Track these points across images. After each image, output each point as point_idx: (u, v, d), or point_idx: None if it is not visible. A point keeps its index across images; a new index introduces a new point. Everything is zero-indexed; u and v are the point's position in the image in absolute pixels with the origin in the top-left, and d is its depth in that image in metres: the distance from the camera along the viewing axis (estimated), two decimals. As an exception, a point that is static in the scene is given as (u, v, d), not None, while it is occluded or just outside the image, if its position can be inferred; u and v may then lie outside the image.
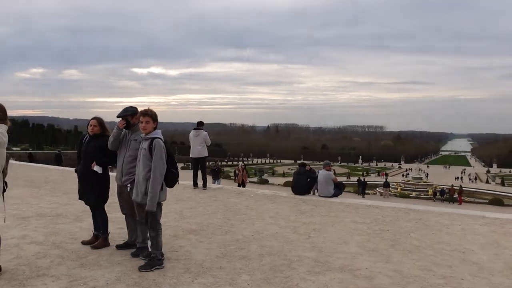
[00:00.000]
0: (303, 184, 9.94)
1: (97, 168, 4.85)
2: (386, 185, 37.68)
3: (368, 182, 41.59)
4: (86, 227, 6.06)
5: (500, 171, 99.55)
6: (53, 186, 10.40)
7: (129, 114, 4.64)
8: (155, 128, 4.37)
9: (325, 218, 7.51)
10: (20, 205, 7.51)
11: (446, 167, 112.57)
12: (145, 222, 4.49)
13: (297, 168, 10.43)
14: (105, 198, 5.02)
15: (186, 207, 7.97)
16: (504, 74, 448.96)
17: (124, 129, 4.66)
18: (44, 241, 5.21)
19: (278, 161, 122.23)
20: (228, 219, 7.02)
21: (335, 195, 9.82)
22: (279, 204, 8.81)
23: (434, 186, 53.22)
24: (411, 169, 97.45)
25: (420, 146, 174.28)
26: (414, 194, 42.53)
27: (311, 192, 10.32)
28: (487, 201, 34.37)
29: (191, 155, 10.59)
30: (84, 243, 5.08)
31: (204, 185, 10.67)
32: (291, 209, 8.24)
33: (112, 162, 4.91)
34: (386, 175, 71.07)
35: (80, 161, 5.03)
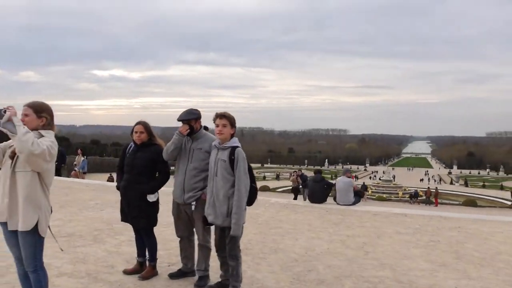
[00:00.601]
0: (320, 192, 9.39)
1: (151, 197, 4.02)
2: (364, 188, 37.93)
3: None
4: (113, 249, 5.19)
5: (461, 172, 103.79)
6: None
7: (193, 118, 3.87)
8: (232, 135, 3.64)
9: (365, 229, 6.97)
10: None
11: (409, 169, 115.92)
12: (217, 248, 3.75)
13: (312, 175, 9.80)
14: (157, 219, 4.20)
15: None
16: (460, 79, 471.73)
17: (186, 136, 3.90)
18: (75, 271, 4.31)
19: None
20: (265, 234, 6.32)
21: (355, 203, 9.33)
22: (304, 214, 8.19)
23: (403, 188, 54.50)
24: (377, 172, 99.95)
25: (383, 149, 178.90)
26: (385, 196, 43.13)
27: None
28: (460, 202, 35.27)
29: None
30: (127, 272, 4.23)
31: None
32: (321, 220, 7.65)
33: (164, 181, 4.12)
34: (356, 178, 72.01)
35: (122, 175, 4.19)
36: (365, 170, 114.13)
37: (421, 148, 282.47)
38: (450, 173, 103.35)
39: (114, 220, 6.79)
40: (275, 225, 7.04)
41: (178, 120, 3.86)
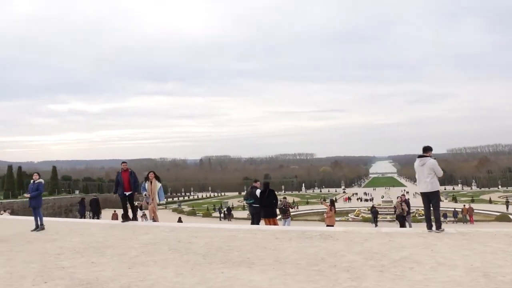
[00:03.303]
0: None
1: None
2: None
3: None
4: None
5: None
6: (194, 256, 6.65)
7: None
8: None
9: None
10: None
11: (387, 188, 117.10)
12: None
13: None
14: None
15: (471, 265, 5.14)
16: (411, 100, 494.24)
17: None
18: None
19: (222, 194, 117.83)
20: None
21: None
22: None
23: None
24: (357, 193, 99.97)
25: (354, 170, 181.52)
26: (389, 217, 41.63)
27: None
28: (492, 218, 34.78)
29: (419, 190, 8.26)
30: None
31: (438, 226, 7.94)
32: None
33: None
34: (349, 199, 71.37)
35: None
36: (344, 192, 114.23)
37: (386, 167, 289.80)
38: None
39: None
40: None
41: None
